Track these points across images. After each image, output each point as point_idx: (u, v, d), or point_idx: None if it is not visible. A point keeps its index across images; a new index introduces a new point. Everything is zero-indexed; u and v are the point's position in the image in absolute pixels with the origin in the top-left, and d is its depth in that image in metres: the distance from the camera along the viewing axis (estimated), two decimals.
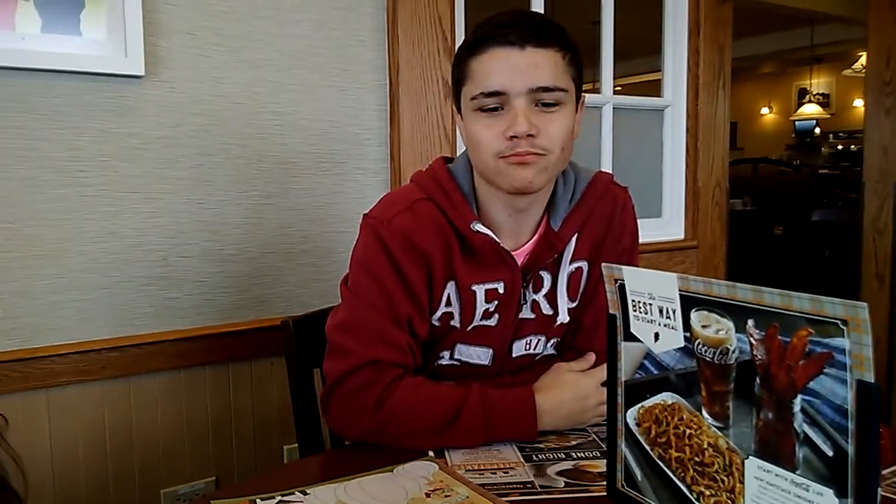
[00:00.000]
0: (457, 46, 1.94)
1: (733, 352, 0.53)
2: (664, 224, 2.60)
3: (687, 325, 0.57)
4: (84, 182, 1.52)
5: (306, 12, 1.75)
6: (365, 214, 1.15)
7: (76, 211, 1.51)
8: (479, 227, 1.11)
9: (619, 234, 1.22)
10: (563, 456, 1.02)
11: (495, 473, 0.97)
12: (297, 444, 1.30)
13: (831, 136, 9.81)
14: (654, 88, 2.71)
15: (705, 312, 0.54)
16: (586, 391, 1.11)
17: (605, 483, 0.93)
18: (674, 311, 0.57)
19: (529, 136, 1.03)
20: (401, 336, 1.10)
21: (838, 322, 0.44)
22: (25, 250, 1.46)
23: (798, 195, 6.18)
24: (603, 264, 0.65)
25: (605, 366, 1.09)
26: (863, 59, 6.78)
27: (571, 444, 1.07)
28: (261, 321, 1.70)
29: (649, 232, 2.47)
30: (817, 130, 10.08)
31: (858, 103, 9.46)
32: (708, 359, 0.56)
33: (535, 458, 1.02)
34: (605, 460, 0.99)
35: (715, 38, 2.55)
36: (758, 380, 0.51)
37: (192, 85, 1.62)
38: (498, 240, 1.11)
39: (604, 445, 1.04)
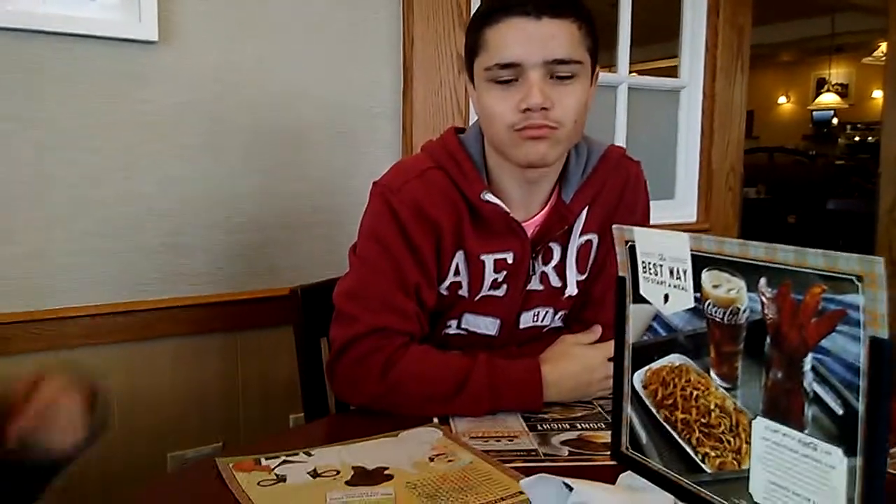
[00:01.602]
0: None
1: (744, 311, 0.53)
2: (677, 206, 2.58)
3: (697, 286, 0.56)
4: (96, 147, 1.52)
5: None
6: (375, 182, 1.14)
7: (87, 176, 1.51)
8: (489, 196, 1.10)
9: (630, 207, 1.21)
10: (568, 426, 1.02)
11: (499, 441, 0.98)
12: (303, 413, 1.30)
13: (849, 126, 9.71)
14: (671, 74, 2.69)
15: (716, 272, 0.54)
16: (593, 364, 1.11)
17: (608, 453, 0.93)
18: (684, 272, 0.56)
19: (543, 108, 1.02)
20: (408, 304, 1.10)
21: (853, 278, 0.44)
22: (36, 211, 1.47)
23: (813, 184, 6.13)
24: (614, 226, 0.65)
25: (612, 341, 1.10)
26: (883, 48, 6.69)
27: (576, 415, 1.07)
28: (270, 290, 1.71)
29: (662, 213, 2.45)
30: (835, 121, 9.97)
31: (877, 94, 9.35)
32: (718, 319, 0.55)
33: (539, 427, 1.02)
34: (609, 432, 0.99)
35: (734, 19, 2.52)
36: (768, 339, 0.51)
37: (206, 52, 1.62)
38: (508, 210, 1.11)
39: (609, 417, 1.04)
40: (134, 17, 1.51)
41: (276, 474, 0.86)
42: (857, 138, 9.39)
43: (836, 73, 9.74)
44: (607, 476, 0.76)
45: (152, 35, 1.53)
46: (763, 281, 0.50)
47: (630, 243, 0.62)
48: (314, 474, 0.86)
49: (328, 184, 1.80)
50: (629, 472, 0.69)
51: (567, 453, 0.94)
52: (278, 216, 1.74)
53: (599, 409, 1.09)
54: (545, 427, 1.02)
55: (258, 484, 0.83)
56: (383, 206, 1.10)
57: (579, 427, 1.02)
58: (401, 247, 1.09)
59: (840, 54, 9.25)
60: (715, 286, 0.54)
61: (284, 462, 0.89)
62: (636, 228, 0.60)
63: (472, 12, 1.92)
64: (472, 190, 1.11)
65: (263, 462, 0.89)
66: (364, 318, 1.08)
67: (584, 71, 1.06)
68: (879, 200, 3.26)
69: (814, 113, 10.09)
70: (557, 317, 1.23)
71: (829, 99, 9.48)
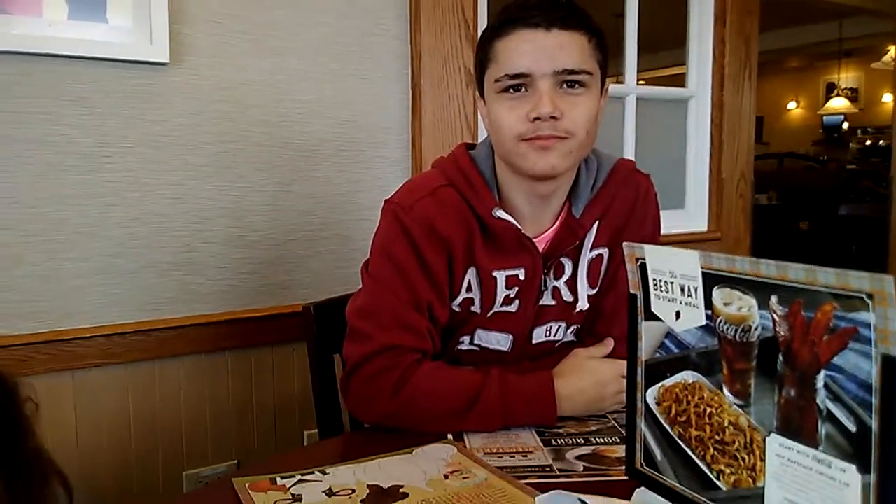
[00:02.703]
0: (479, 33, 1.94)
1: (756, 329, 0.53)
2: (687, 216, 2.58)
3: (709, 303, 0.56)
4: (109, 168, 1.54)
5: (330, 0, 1.76)
6: (386, 200, 1.15)
7: (101, 196, 1.53)
8: (500, 213, 1.11)
9: (640, 221, 1.21)
10: (582, 441, 1.02)
11: (514, 457, 0.98)
12: (317, 430, 1.31)
13: (859, 131, 9.65)
14: (678, 82, 2.69)
15: (727, 289, 0.54)
16: (606, 378, 1.11)
17: (623, 468, 0.93)
18: (695, 289, 0.56)
19: (553, 118, 1.03)
20: (420, 321, 1.10)
21: (863, 296, 0.44)
22: (50, 234, 1.48)
23: (824, 190, 6.10)
24: (624, 243, 0.65)
25: (625, 356, 1.10)
26: (892, 52, 6.66)
27: (590, 429, 1.07)
28: (282, 307, 1.72)
29: (672, 223, 2.45)
30: (845, 125, 9.92)
31: (888, 98, 9.30)
32: (730, 336, 0.55)
33: (553, 442, 1.02)
34: (623, 446, 0.99)
35: (741, 28, 2.52)
36: (780, 356, 0.51)
37: (216, 72, 1.63)
38: (519, 226, 1.11)
39: (623, 431, 1.04)
40: (145, 39, 1.53)
41: (291, 494, 0.86)
42: (868, 142, 9.34)
43: (846, 77, 9.70)
44: (622, 492, 0.76)
45: (164, 57, 1.55)
46: (774, 298, 0.50)
47: (641, 261, 0.62)
48: (329, 493, 0.86)
49: (338, 200, 1.81)
50: (643, 487, 0.69)
51: (582, 468, 0.94)
52: (289, 233, 1.75)
53: (614, 422, 1.09)
54: (559, 442, 1.02)
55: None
56: (395, 224, 1.11)
57: (594, 441, 1.02)
58: (413, 265, 1.09)
59: (849, 59, 9.21)
60: (726, 303, 0.54)
61: (300, 481, 0.89)
62: (647, 246, 0.60)
63: (480, 27, 1.96)
64: (483, 207, 1.11)
65: (279, 482, 0.89)
66: (377, 335, 1.08)
67: (593, 83, 1.07)
68: (892, 205, 3.24)
69: (824, 118, 10.04)
70: (570, 331, 1.23)
71: (838, 104, 9.43)
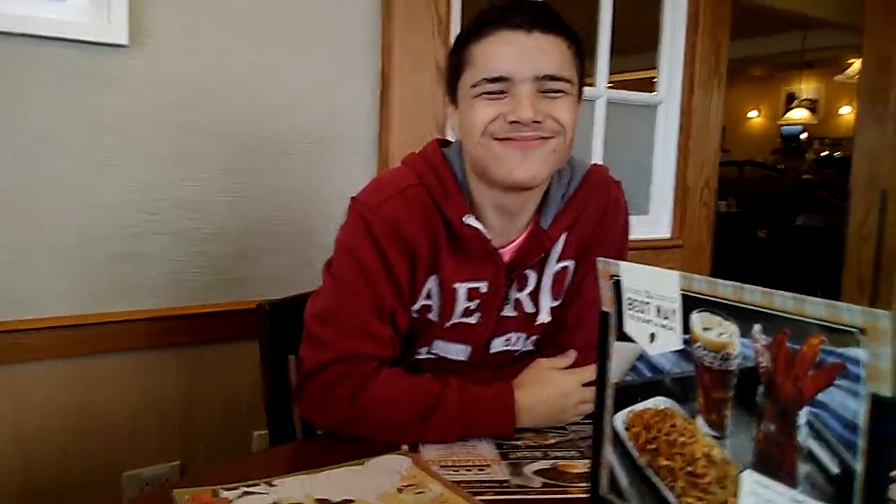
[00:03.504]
0: (451, 29, 1.90)
1: (736, 357, 0.50)
2: (651, 222, 2.58)
3: (686, 327, 0.53)
4: (59, 154, 1.46)
5: None
6: (353, 198, 1.10)
7: (50, 183, 1.45)
8: (471, 220, 1.06)
9: (609, 233, 1.18)
10: (541, 455, 0.99)
11: (470, 470, 0.94)
12: (266, 431, 1.26)
13: (816, 142, 9.86)
14: (646, 87, 2.68)
15: (708, 314, 0.51)
16: (567, 389, 1.08)
17: (583, 485, 0.90)
18: (673, 312, 0.53)
19: (535, 122, 0.99)
20: (382, 328, 1.06)
21: (855, 330, 0.41)
22: None
23: (782, 199, 6.20)
24: (598, 259, 0.61)
25: (588, 366, 1.07)
26: (856, 65, 6.79)
27: (549, 442, 1.04)
28: (237, 303, 1.66)
29: (635, 229, 2.42)
30: (804, 136, 10.12)
31: (845, 110, 9.51)
32: (707, 363, 0.52)
33: (511, 455, 0.99)
34: (583, 461, 0.96)
35: (713, 35, 2.52)
36: (761, 388, 0.48)
37: (177, 57, 1.56)
38: (489, 236, 1.07)
39: (583, 445, 1.02)
40: (103, 19, 1.46)
41: None
42: (824, 153, 9.54)
43: (806, 88, 9.89)
44: None
45: (122, 38, 1.47)
46: (758, 327, 0.47)
47: (615, 278, 0.59)
48: None
49: (301, 195, 1.75)
50: None
51: (540, 485, 0.91)
52: (249, 227, 1.69)
53: (573, 435, 1.06)
54: (518, 455, 0.99)
55: None
56: (360, 225, 1.06)
57: (552, 455, 0.99)
58: (377, 268, 1.05)
59: (811, 70, 9.40)
60: (706, 329, 0.51)
61: (245, 494, 0.84)
62: (623, 263, 0.57)
63: (452, 23, 1.92)
64: (453, 212, 1.07)
65: (222, 494, 0.84)
66: (336, 343, 1.04)
67: (572, 91, 1.04)
68: (849, 218, 3.29)
69: (783, 127, 10.23)
70: (529, 341, 1.20)
71: (798, 114, 9.62)
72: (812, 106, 9.89)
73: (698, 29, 2.48)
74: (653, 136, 2.58)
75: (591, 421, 1.06)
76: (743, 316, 0.48)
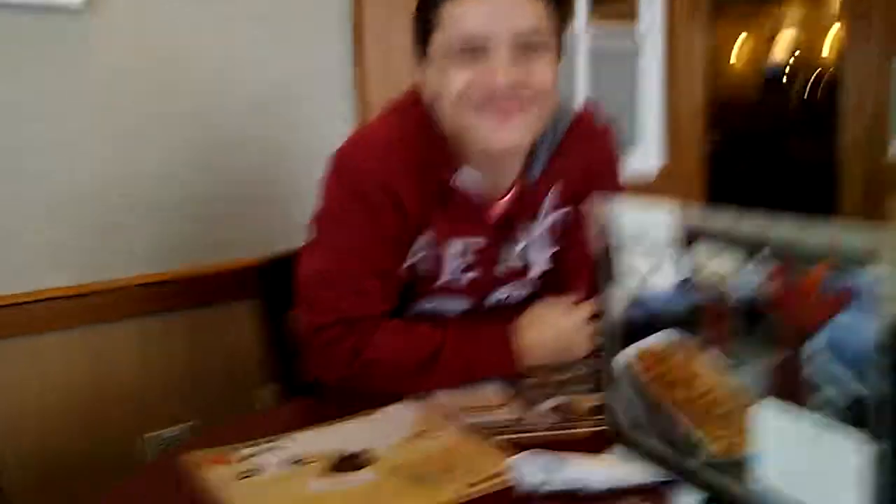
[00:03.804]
0: None
1: (740, 288, 0.49)
2: (641, 155, 2.55)
3: (688, 260, 0.52)
4: (32, 126, 1.42)
5: None
6: (337, 151, 1.06)
7: (27, 157, 1.42)
8: (462, 174, 1.04)
9: (600, 179, 1.14)
10: (554, 391, 0.99)
11: (482, 413, 0.94)
12: (269, 387, 1.27)
13: (800, 73, 9.64)
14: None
15: (708, 246, 0.50)
16: (569, 327, 1.07)
17: (596, 418, 0.90)
18: (672, 245, 0.52)
19: (513, 89, 0.95)
20: (376, 285, 1.05)
21: (863, 254, 0.40)
22: None
23: (768, 132, 6.14)
24: (595, 197, 0.60)
25: (590, 301, 1.07)
26: None
27: (562, 378, 1.04)
28: (228, 264, 1.64)
29: (626, 162, 2.42)
30: (787, 69, 9.90)
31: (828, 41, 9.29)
32: (712, 296, 0.51)
33: (524, 394, 0.99)
34: (596, 395, 0.96)
35: None
36: (769, 317, 0.47)
37: (138, 19, 1.51)
38: (479, 193, 1.05)
39: (596, 380, 1.02)
40: None
41: (252, 464, 0.82)
42: (808, 85, 9.33)
43: (789, 20, 9.64)
44: (597, 445, 0.74)
45: (76, 1, 1.41)
46: (762, 256, 0.46)
47: (611, 215, 0.58)
48: (293, 462, 0.83)
49: (278, 151, 1.73)
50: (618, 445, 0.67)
51: (553, 421, 0.91)
52: (229, 188, 1.66)
53: (586, 370, 1.06)
54: (530, 394, 0.99)
55: (235, 478, 0.79)
56: (347, 184, 1.03)
57: (565, 392, 0.99)
58: (368, 227, 1.03)
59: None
60: (707, 260, 0.50)
61: (260, 451, 0.85)
62: (617, 200, 0.56)
63: None
64: (443, 166, 1.04)
65: (239, 452, 0.85)
66: (332, 304, 1.03)
67: (551, 46, 0.99)
68: (838, 144, 3.25)
69: (766, 68, 10.01)
70: (526, 291, 1.19)
71: (783, 48, 9.41)
72: (796, 39, 9.65)
73: None
74: (637, 70, 2.53)
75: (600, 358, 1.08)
76: (745, 245, 0.48)
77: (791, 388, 0.47)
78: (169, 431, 1.61)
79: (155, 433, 1.60)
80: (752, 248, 0.47)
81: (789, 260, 0.44)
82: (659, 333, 0.57)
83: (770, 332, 0.47)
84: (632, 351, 0.60)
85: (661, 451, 0.59)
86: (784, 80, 9.38)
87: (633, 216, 0.55)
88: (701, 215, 0.49)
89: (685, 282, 0.53)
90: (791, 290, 0.45)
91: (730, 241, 0.48)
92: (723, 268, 0.49)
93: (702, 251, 0.50)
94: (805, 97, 8.43)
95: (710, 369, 0.53)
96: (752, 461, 0.51)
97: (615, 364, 0.62)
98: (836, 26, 8.38)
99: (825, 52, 8.95)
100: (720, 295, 0.50)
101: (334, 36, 1.77)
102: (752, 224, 0.46)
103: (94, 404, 1.53)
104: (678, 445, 0.57)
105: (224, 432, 0.90)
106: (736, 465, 0.53)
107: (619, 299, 0.59)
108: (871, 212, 3.13)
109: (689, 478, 0.57)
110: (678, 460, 0.57)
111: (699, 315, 0.53)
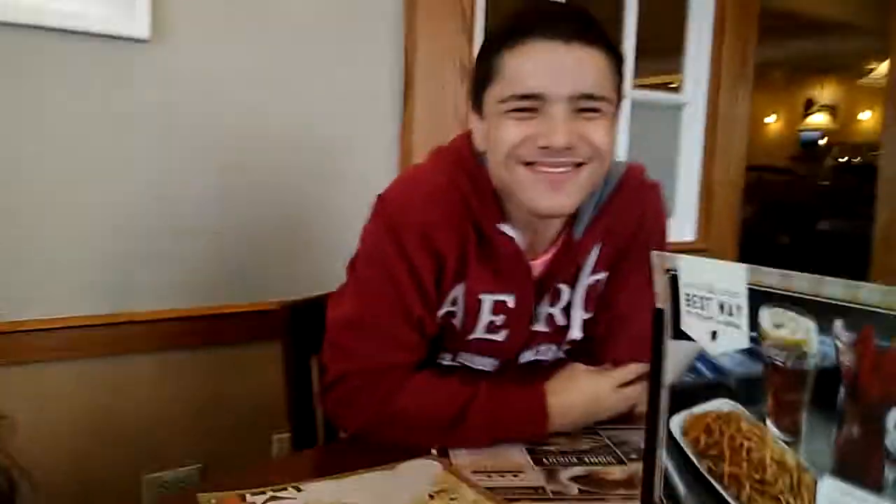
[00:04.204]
0: (476, 23, 1.86)
1: (812, 356, 0.46)
2: (676, 224, 2.53)
3: (754, 324, 0.49)
4: (78, 150, 1.44)
5: None
6: (380, 196, 1.03)
7: (67, 180, 1.43)
8: (506, 228, 1.01)
9: (646, 240, 1.09)
10: (576, 461, 0.96)
11: (503, 476, 0.91)
12: (287, 434, 1.23)
13: (836, 148, 9.72)
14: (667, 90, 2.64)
15: (780, 310, 0.47)
16: (602, 393, 1.03)
17: (622, 491, 0.86)
18: (739, 308, 0.49)
19: (567, 149, 0.92)
20: (410, 335, 1.02)
21: None
22: (10, 217, 1.38)
23: (802, 205, 6.12)
24: (653, 253, 0.58)
25: (624, 367, 1.03)
26: (881, 68, 6.70)
27: (584, 448, 1.00)
28: (258, 304, 1.62)
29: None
30: (822, 141, 10.00)
31: (865, 116, 9.39)
32: (780, 363, 0.48)
33: (545, 461, 0.95)
34: (621, 467, 0.93)
35: (740, 34, 2.47)
36: (843, 389, 0.44)
37: (199, 52, 1.54)
38: (521, 247, 1.02)
39: (619, 451, 0.98)
40: (126, 12, 1.43)
41: None
42: (842, 159, 9.40)
43: (826, 93, 9.77)
44: None
45: (144, 33, 1.45)
46: (839, 323, 0.43)
47: (672, 272, 0.55)
48: None
49: (321, 193, 1.73)
50: None
51: (577, 491, 0.87)
52: (268, 225, 1.66)
53: (608, 441, 1.02)
54: (551, 461, 0.95)
55: None
56: (387, 229, 1.00)
57: (588, 461, 0.96)
58: (404, 275, 0.99)
59: (830, 74, 9.28)
60: (777, 326, 0.47)
61: (272, 499, 0.82)
62: (680, 256, 0.53)
63: (477, 18, 1.88)
64: (487, 218, 1.01)
65: (249, 498, 0.81)
66: (363, 351, 1.00)
67: (610, 110, 0.95)
68: (876, 221, 3.22)
69: (802, 133, 10.11)
70: (560, 352, 1.15)
71: (817, 120, 9.50)
72: (831, 112, 9.77)
73: (725, 28, 2.43)
74: (678, 137, 2.53)
75: (625, 426, 1.04)
76: (821, 311, 0.45)
77: (860, 465, 0.43)
78: (171, 473, 1.57)
79: (155, 474, 1.56)
80: (828, 314, 0.44)
81: (871, 327, 0.41)
82: (714, 401, 0.53)
83: (844, 404, 0.44)
84: (682, 417, 0.56)
85: None
86: (817, 150, 9.42)
87: (701, 272, 0.52)
88: (775, 276, 0.47)
89: (750, 347, 0.50)
90: (871, 360, 0.42)
91: (805, 305, 0.45)
92: (795, 333, 0.46)
93: (770, 316, 0.48)
94: (837, 172, 8.46)
95: (770, 441, 0.50)
96: None
97: (660, 431, 0.58)
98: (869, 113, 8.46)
99: (861, 125, 9.01)
100: (791, 362, 0.47)
101: (385, 78, 1.79)
102: (836, 287, 0.43)
103: (98, 437, 1.50)
104: None
105: (231, 478, 0.86)
106: None
107: (676, 359, 0.55)
108: None
109: None
110: None
111: (765, 383, 0.49)
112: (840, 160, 9.36)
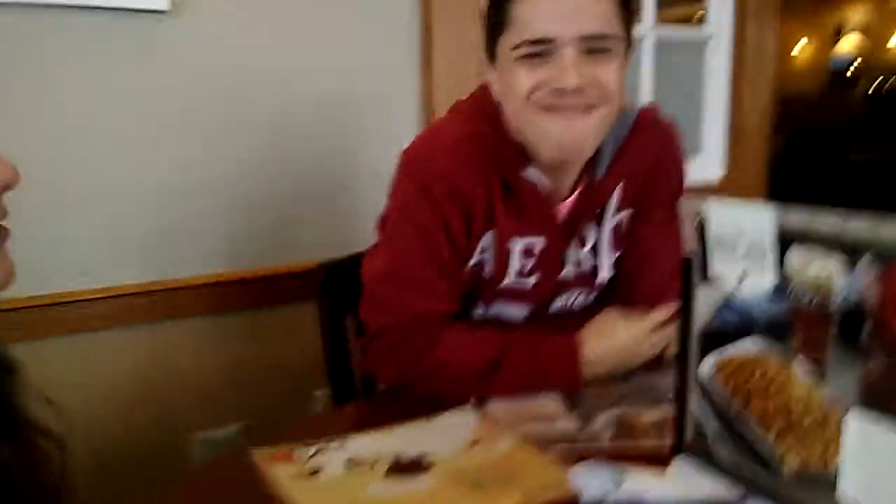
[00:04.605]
0: None
1: (838, 294, 0.47)
2: (704, 162, 2.50)
3: (782, 265, 0.50)
4: (109, 125, 1.46)
5: None
6: (404, 151, 1.06)
7: (101, 157, 1.45)
8: (530, 172, 1.03)
9: (665, 176, 1.13)
10: (609, 406, 0.97)
11: (539, 423, 0.93)
12: (327, 391, 1.26)
13: (864, 79, 9.43)
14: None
15: (807, 250, 0.48)
16: (637, 337, 1.04)
17: (653, 436, 0.88)
18: (766, 249, 0.50)
19: (580, 90, 0.94)
20: (443, 285, 1.04)
21: None
22: (52, 194, 1.41)
23: (835, 134, 5.98)
24: (683, 199, 0.58)
25: (659, 310, 1.04)
26: None
27: (616, 393, 1.01)
28: (293, 266, 1.65)
29: (687, 169, 2.38)
30: (854, 66, 9.69)
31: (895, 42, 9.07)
32: (806, 303, 0.49)
33: (579, 407, 0.97)
34: (652, 411, 0.94)
35: None
36: (868, 326, 0.45)
37: (220, 23, 1.54)
38: (548, 190, 1.04)
39: (651, 395, 0.99)
40: None
41: (313, 465, 0.82)
42: (874, 86, 9.11)
43: (855, 17, 9.44)
44: (657, 460, 0.71)
45: (163, 4, 1.45)
46: (865, 260, 0.44)
47: (700, 217, 0.56)
48: (352, 464, 0.82)
49: (348, 154, 1.73)
50: (685, 455, 0.64)
51: (611, 435, 0.89)
52: (299, 190, 1.68)
53: (639, 386, 1.03)
54: (585, 407, 0.97)
55: (299, 476, 0.79)
56: (414, 182, 1.03)
57: (621, 406, 0.97)
58: (435, 225, 1.02)
59: None
60: (804, 265, 0.48)
61: (320, 452, 0.85)
62: (710, 201, 0.54)
63: None
64: (511, 164, 1.03)
65: (297, 452, 0.85)
66: (400, 304, 1.03)
67: (620, 49, 0.97)
68: None
69: (833, 59, 9.81)
70: (590, 297, 1.17)
71: (848, 44, 9.20)
72: (862, 37, 9.45)
73: None
74: (703, 72, 2.48)
75: (659, 370, 1.05)
76: (847, 249, 0.45)
77: (886, 398, 0.44)
78: (217, 432, 1.63)
79: (202, 433, 1.61)
80: (855, 251, 0.44)
81: None
82: (744, 341, 0.54)
83: (869, 339, 0.45)
84: (711, 360, 0.58)
85: (738, 464, 0.57)
86: (849, 76, 9.18)
87: (728, 216, 0.53)
88: (802, 217, 0.47)
89: (779, 287, 0.50)
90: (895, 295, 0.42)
91: (831, 243, 0.46)
92: (822, 272, 0.47)
93: (800, 254, 0.48)
94: (871, 96, 8.23)
95: (797, 379, 0.51)
96: (837, 476, 0.49)
97: (692, 373, 0.60)
98: None
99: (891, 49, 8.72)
100: (817, 300, 0.48)
101: (402, 37, 1.77)
102: (859, 225, 0.43)
103: (144, 401, 1.55)
104: (757, 459, 0.54)
105: (279, 434, 0.89)
106: (819, 481, 0.50)
107: (706, 304, 0.56)
108: None
109: (768, 493, 0.54)
110: (756, 474, 0.55)
111: (792, 322, 0.50)
112: (871, 89, 9.08)
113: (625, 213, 1.12)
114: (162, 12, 1.46)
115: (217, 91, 1.56)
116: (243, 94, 1.59)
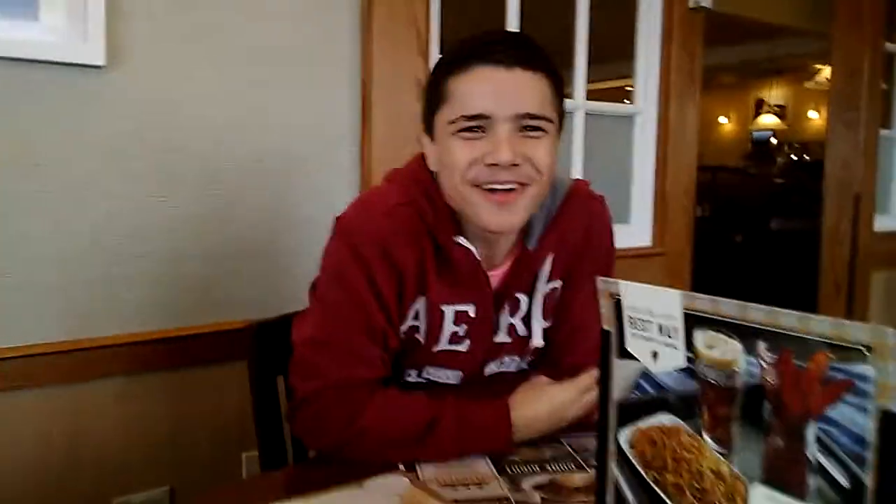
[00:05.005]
0: (431, 44, 1.91)
1: (741, 375, 0.51)
2: (632, 231, 2.59)
3: (690, 345, 0.54)
4: (38, 177, 1.44)
5: (278, 4, 1.69)
6: (337, 217, 1.08)
7: (27, 207, 1.43)
8: (462, 240, 1.05)
9: (595, 250, 1.17)
10: (538, 469, 0.99)
11: (469, 488, 0.94)
12: (256, 452, 1.24)
13: (786, 146, 10.00)
14: (621, 95, 2.70)
15: (711, 332, 0.52)
16: (564, 403, 1.06)
17: (583, 498, 0.90)
18: (676, 330, 0.54)
19: (513, 165, 0.98)
20: (373, 351, 1.05)
21: (861, 348, 0.42)
22: None
23: (755, 204, 6.28)
24: (598, 279, 0.62)
25: (587, 373, 1.07)
26: (826, 72, 6.91)
27: (546, 456, 1.04)
28: (222, 324, 1.64)
29: (617, 239, 2.46)
30: (773, 141, 10.26)
31: (813, 115, 9.67)
32: (712, 381, 0.53)
33: (508, 470, 0.99)
34: (582, 474, 0.97)
35: (687, 46, 2.55)
36: (767, 405, 0.49)
37: (156, 77, 1.55)
38: (479, 258, 1.07)
39: (579, 458, 1.02)
40: (80, 38, 1.44)
41: None
42: (793, 157, 9.66)
43: (775, 94, 10.04)
44: None
45: (99, 59, 1.45)
46: (763, 345, 0.48)
47: (616, 297, 0.59)
48: None
49: (282, 213, 1.74)
50: None
51: (540, 499, 0.91)
52: (230, 246, 1.67)
53: (569, 448, 1.06)
54: (515, 470, 0.99)
55: None
56: (346, 246, 1.04)
57: (550, 469, 0.99)
58: (365, 290, 1.03)
59: (779, 76, 9.54)
60: (709, 347, 0.52)
61: None
62: (622, 282, 0.58)
63: (432, 40, 1.92)
64: (444, 231, 1.06)
65: None
66: (328, 369, 1.03)
67: (552, 130, 1.02)
68: (823, 222, 3.34)
69: (753, 133, 10.37)
70: (523, 362, 1.20)
71: (768, 120, 9.76)
72: (781, 112, 10.04)
73: (672, 40, 2.51)
74: (631, 146, 2.60)
75: (587, 433, 1.07)
76: (747, 333, 0.49)
77: (785, 474, 0.47)
78: (141, 496, 1.57)
79: (125, 497, 1.56)
80: (754, 337, 0.48)
81: (790, 350, 0.46)
82: (658, 416, 0.57)
83: (770, 418, 0.48)
84: (626, 432, 0.60)
85: None
86: (769, 151, 9.66)
87: (637, 299, 0.56)
88: (706, 302, 0.51)
89: (686, 366, 0.54)
90: (791, 379, 0.46)
91: (733, 327, 0.50)
92: (725, 354, 0.50)
93: (703, 338, 0.52)
94: (790, 170, 8.67)
95: (705, 454, 0.54)
96: None
97: (610, 445, 0.62)
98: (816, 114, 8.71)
99: (810, 123, 9.25)
100: (720, 380, 0.51)
101: (343, 100, 1.81)
102: (758, 313, 0.47)
103: (66, 464, 1.49)
104: None
105: (209, 497, 0.88)
106: None
107: (623, 377, 0.60)
108: (856, 284, 3.20)
109: None
110: None
111: (699, 399, 0.54)
112: (792, 158, 9.62)
113: (556, 283, 1.16)
114: (98, 67, 1.46)
115: (150, 145, 1.56)
116: (177, 147, 1.59)
